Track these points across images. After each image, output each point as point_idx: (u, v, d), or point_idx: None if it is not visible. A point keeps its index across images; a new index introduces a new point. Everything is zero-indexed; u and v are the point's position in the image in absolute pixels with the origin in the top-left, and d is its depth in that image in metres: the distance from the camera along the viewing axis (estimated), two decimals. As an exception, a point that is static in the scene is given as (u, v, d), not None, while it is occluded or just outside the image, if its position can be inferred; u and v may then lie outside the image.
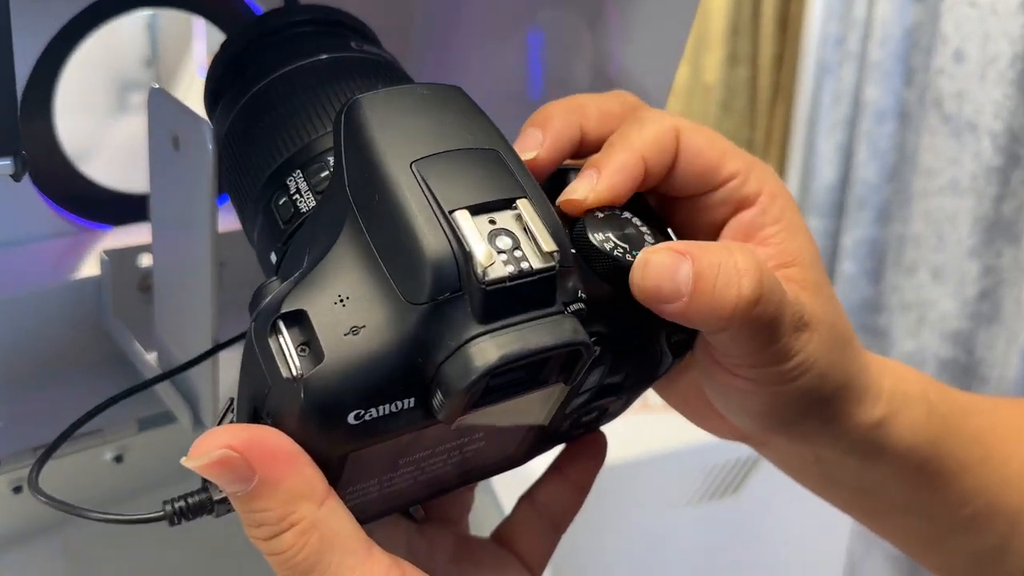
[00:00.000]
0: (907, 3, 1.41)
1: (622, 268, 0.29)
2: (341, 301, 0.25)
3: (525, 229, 0.26)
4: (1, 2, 0.27)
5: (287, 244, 0.31)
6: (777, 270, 0.33)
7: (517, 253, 0.26)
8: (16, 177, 0.28)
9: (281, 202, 0.32)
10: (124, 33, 0.57)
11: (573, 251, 0.28)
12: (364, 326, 0.25)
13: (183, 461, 0.25)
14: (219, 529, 0.27)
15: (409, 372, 0.25)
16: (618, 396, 0.33)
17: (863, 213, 1.49)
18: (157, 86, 0.38)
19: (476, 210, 0.26)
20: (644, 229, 0.30)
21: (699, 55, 1.68)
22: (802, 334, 0.31)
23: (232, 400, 0.28)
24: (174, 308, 0.40)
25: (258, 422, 0.26)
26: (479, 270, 0.25)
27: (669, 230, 0.33)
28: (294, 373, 0.24)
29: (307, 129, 0.32)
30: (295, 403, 0.24)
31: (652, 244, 0.30)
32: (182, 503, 0.27)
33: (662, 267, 0.28)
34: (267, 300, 0.26)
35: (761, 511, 1.14)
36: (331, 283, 0.26)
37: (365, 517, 0.29)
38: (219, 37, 0.50)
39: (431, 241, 0.25)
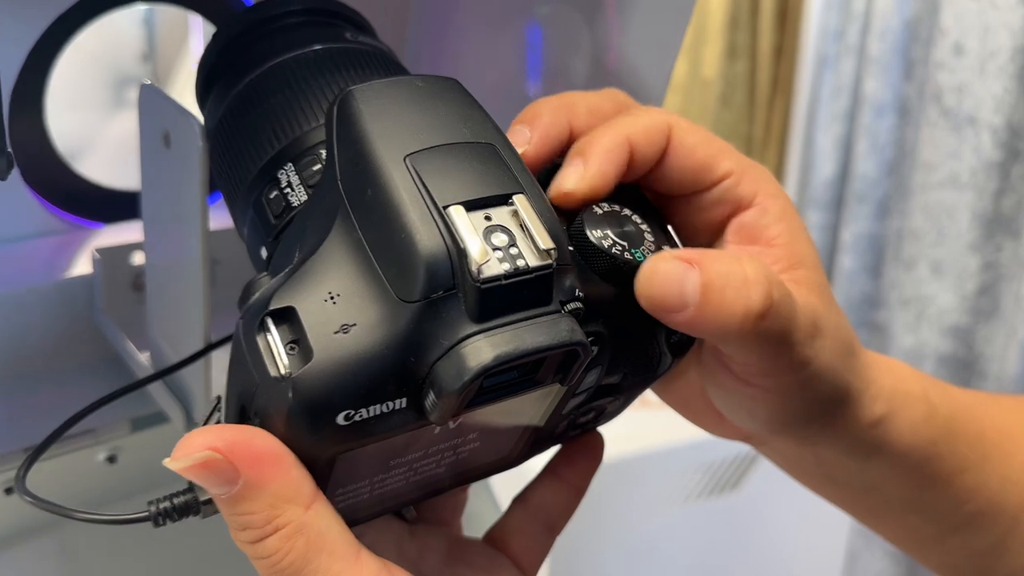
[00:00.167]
0: (907, -4, 1.40)
1: (621, 267, 0.28)
2: (332, 298, 0.25)
3: (521, 226, 0.25)
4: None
5: (278, 239, 0.30)
6: (786, 272, 0.32)
7: (513, 250, 0.25)
8: (1, 176, 0.28)
9: (272, 196, 0.31)
10: (120, 27, 0.57)
11: (571, 248, 0.28)
12: (355, 324, 0.24)
13: (166, 462, 0.24)
14: (219, 529, 0.26)
15: (401, 372, 0.24)
16: (616, 396, 0.32)
17: (862, 207, 1.49)
18: (148, 82, 0.37)
19: (471, 206, 0.25)
20: (644, 226, 0.30)
21: (698, 48, 1.68)
22: (815, 340, 0.31)
23: (220, 399, 0.27)
24: (167, 307, 0.39)
25: (246, 422, 0.26)
26: (474, 268, 0.24)
27: (669, 227, 0.33)
28: (282, 372, 0.24)
29: (299, 121, 0.32)
30: (283, 403, 0.24)
31: (652, 242, 0.29)
32: (167, 504, 0.26)
33: (669, 276, 0.27)
34: (255, 296, 0.26)
35: (760, 508, 1.13)
36: (321, 279, 0.25)
37: (356, 519, 0.29)
38: (214, 33, 0.50)
39: (424, 237, 0.24)
